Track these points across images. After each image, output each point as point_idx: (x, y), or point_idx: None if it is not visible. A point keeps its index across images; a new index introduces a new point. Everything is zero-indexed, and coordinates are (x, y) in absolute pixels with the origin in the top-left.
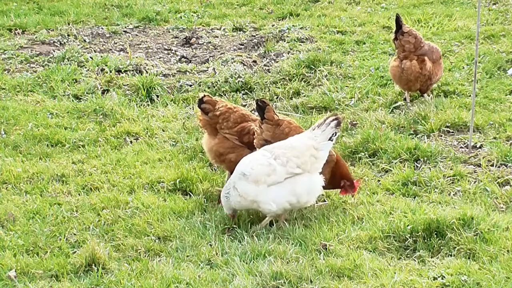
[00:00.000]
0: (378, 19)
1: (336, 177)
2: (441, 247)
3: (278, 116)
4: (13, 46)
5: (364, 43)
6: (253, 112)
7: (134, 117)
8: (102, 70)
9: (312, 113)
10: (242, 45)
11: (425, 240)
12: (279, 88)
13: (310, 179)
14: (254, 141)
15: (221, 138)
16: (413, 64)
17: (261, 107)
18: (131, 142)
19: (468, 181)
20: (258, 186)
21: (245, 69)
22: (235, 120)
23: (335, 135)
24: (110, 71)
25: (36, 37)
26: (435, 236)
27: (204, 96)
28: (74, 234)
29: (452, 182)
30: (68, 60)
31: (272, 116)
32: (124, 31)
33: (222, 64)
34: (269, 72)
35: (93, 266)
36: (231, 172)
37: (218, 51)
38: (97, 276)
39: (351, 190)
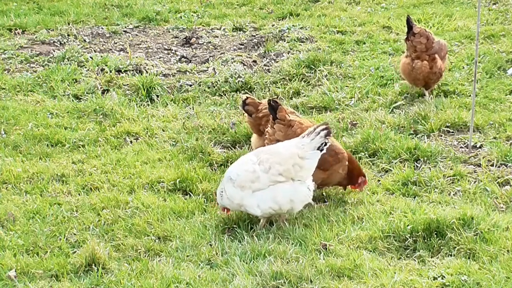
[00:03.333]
0: (378, 19)
1: (354, 174)
2: (441, 247)
3: (290, 116)
4: (13, 46)
5: (364, 43)
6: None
7: (134, 117)
8: (102, 70)
9: (312, 113)
10: (242, 45)
11: (425, 240)
12: (279, 88)
13: (293, 187)
14: (265, 141)
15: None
16: (424, 65)
17: (273, 107)
18: (131, 142)
19: (468, 181)
20: (243, 191)
21: (245, 69)
22: None
23: (325, 145)
24: (110, 71)
25: (36, 37)
26: (435, 236)
27: (247, 98)
28: (74, 234)
29: (452, 182)
30: (68, 60)
31: (284, 116)
32: (124, 31)
33: (222, 64)
34: (269, 72)
35: (93, 266)
36: None
37: (218, 51)
38: (97, 276)
39: (363, 185)
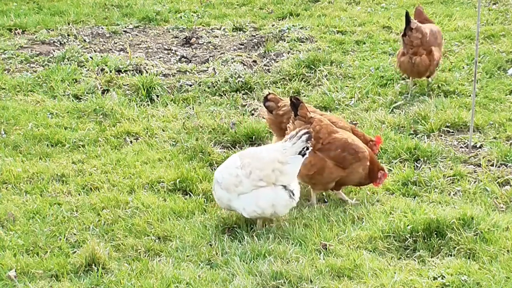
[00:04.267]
0: (378, 19)
1: (375, 170)
2: (441, 247)
3: (310, 113)
4: (13, 46)
5: (364, 43)
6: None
7: (134, 117)
8: (102, 70)
9: None
10: (242, 45)
11: (425, 240)
12: (279, 88)
13: (275, 192)
14: (286, 136)
15: None
16: (423, 59)
17: (295, 104)
18: (131, 142)
19: (468, 181)
20: (229, 194)
21: (245, 69)
22: None
23: (307, 149)
24: (110, 71)
25: (36, 37)
26: (435, 236)
27: (269, 94)
28: (74, 234)
29: (452, 182)
30: (68, 60)
31: (305, 113)
32: (124, 31)
33: (222, 64)
34: (269, 72)
35: (93, 266)
36: None
37: (218, 51)
38: (97, 276)
39: (384, 178)
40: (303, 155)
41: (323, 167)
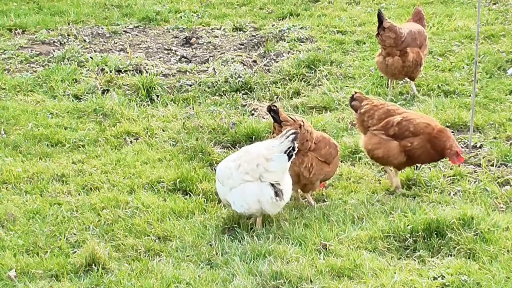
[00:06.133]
0: None
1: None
2: (441, 247)
3: (292, 117)
4: (13, 46)
5: (364, 43)
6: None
7: (134, 117)
8: (102, 70)
9: (312, 113)
10: (242, 45)
11: (425, 240)
12: (279, 88)
13: (260, 188)
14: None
15: (369, 135)
16: (395, 60)
17: (275, 111)
18: (131, 142)
19: (468, 181)
20: (224, 187)
21: (245, 69)
22: (379, 117)
23: (293, 150)
24: (110, 71)
25: (36, 37)
26: (435, 236)
27: (356, 93)
28: (74, 234)
29: (452, 182)
30: (68, 60)
31: (286, 118)
32: (124, 31)
33: (222, 64)
34: (269, 72)
35: (93, 266)
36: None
37: (218, 51)
38: (97, 276)
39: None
40: (289, 155)
41: (315, 165)
